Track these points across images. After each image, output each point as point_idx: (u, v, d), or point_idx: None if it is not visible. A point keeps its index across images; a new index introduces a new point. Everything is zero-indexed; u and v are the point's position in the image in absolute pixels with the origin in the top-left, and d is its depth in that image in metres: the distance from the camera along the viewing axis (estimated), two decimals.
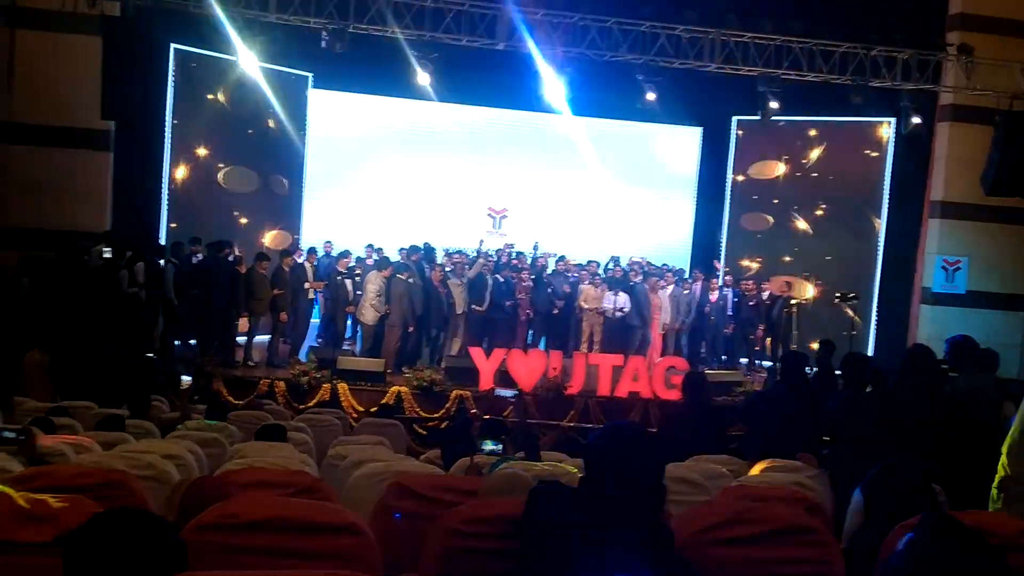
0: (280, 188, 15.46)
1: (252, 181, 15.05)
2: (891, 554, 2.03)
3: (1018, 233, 14.36)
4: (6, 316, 11.57)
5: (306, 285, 13.21)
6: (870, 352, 14.43)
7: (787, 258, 16.46)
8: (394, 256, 14.21)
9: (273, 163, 15.30)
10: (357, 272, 13.61)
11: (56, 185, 12.84)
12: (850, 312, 13.17)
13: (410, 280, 13.15)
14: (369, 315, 13.11)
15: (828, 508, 4.41)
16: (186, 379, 9.85)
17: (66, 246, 12.22)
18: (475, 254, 14.94)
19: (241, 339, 12.95)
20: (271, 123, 15.00)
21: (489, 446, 5.43)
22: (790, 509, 2.89)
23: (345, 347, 13.86)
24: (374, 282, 13.07)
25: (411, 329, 13.25)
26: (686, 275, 15.59)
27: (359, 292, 13.34)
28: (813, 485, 4.91)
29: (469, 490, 3.37)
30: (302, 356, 12.85)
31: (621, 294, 14.19)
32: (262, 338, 13.12)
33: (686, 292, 14.63)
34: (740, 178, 17.01)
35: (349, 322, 14.00)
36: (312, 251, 13.89)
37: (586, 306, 14.20)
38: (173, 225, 14.10)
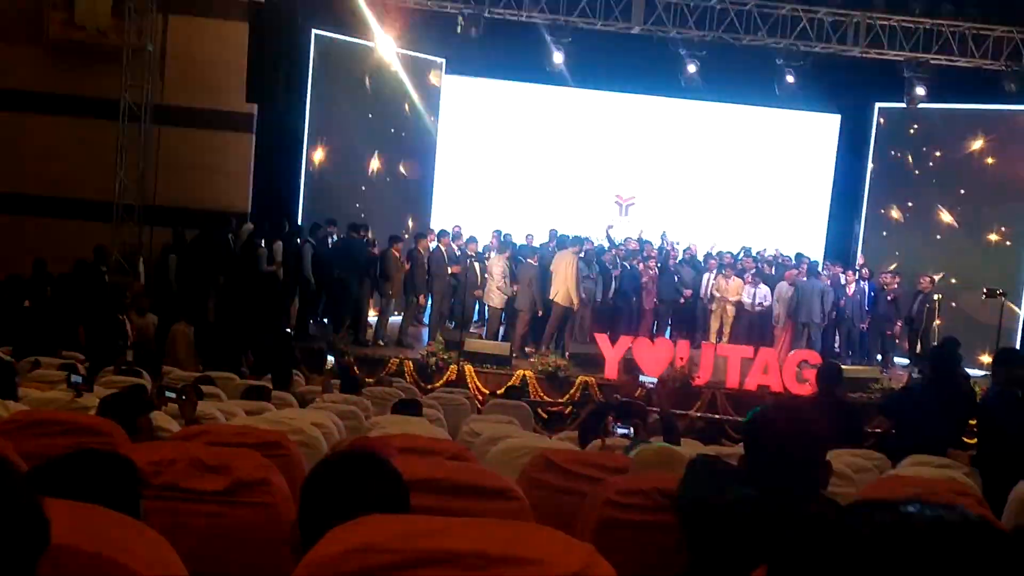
0: (412, 172, 15.72)
1: (385, 165, 15.34)
2: None
3: None
4: (157, 290, 12.19)
5: (449, 270, 13.36)
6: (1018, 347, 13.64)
7: (929, 251, 15.72)
8: (520, 241, 14.35)
9: (406, 147, 15.56)
10: (486, 257, 13.74)
11: (203, 166, 13.39)
12: (1006, 307, 12.48)
13: (534, 264, 13.18)
14: (496, 298, 13.20)
15: None
16: (331, 359, 10.16)
17: (212, 225, 12.75)
18: (606, 243, 14.86)
19: (372, 319, 13.28)
20: (405, 108, 15.25)
21: (620, 430, 5.40)
22: (960, 498, 2.75)
23: (473, 330, 14.02)
24: (498, 265, 13.16)
25: (540, 313, 13.27)
26: (819, 267, 15.12)
27: (487, 276, 13.46)
28: (967, 482, 4.68)
29: (614, 467, 3.34)
30: (431, 338, 13.10)
31: (762, 286, 13.86)
32: (395, 319, 13.41)
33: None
34: (879, 168, 16.32)
35: (477, 306, 14.16)
36: (444, 234, 14.01)
37: (718, 294, 13.93)
38: (309, 207, 14.51)
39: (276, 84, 13.59)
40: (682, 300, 14.19)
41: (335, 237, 13.42)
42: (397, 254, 12.97)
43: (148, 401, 4.58)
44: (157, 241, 13.15)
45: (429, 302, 13.57)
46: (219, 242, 12.63)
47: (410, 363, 12.24)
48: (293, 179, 14.38)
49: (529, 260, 13.21)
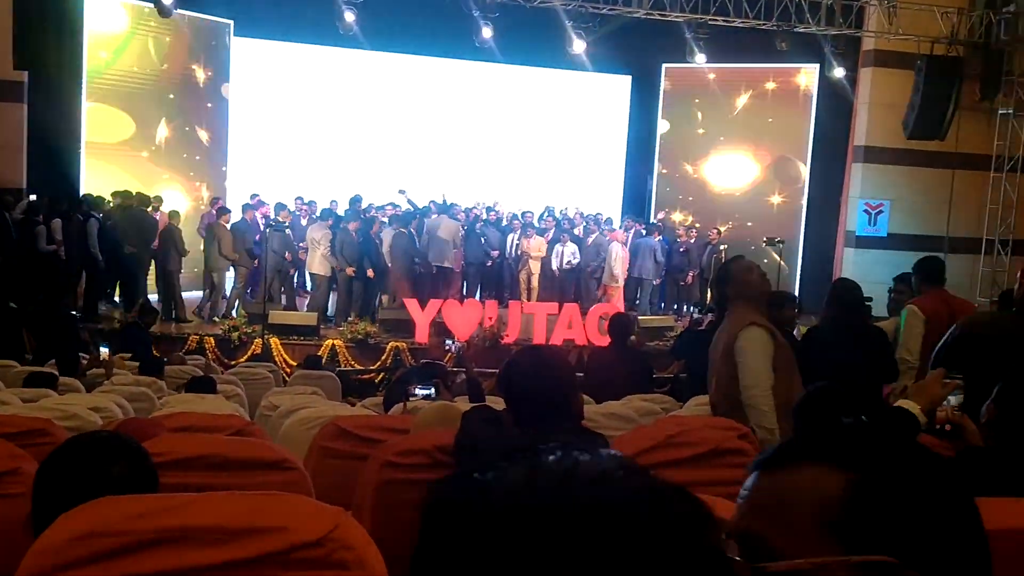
0: (203, 139, 15.04)
1: (175, 132, 14.59)
2: None
3: (937, 176, 14.71)
4: None
5: (287, 256, 13.02)
6: (796, 292, 14.67)
7: (716, 204, 16.64)
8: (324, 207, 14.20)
9: (196, 114, 14.86)
10: (286, 225, 13.39)
11: None
12: (776, 256, 13.43)
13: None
14: (322, 267, 12.95)
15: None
16: (104, 350, 9.58)
17: None
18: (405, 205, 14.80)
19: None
20: (193, 72, 14.55)
21: (421, 391, 5.44)
22: (721, 433, 2.95)
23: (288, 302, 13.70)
24: (322, 235, 12.91)
25: (372, 276, 13.20)
26: (614, 224, 15.71)
27: (301, 245, 13.16)
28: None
29: (404, 428, 3.36)
30: (234, 312, 12.72)
31: (569, 244, 14.27)
32: (195, 294, 12.94)
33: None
34: (669, 125, 17.07)
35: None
36: (281, 207, 13.50)
37: (523, 254, 14.21)
38: (94, 179, 13.62)
39: (48, 50, 12.58)
40: (489, 262, 14.41)
41: (126, 210, 12.64)
42: (226, 224, 12.60)
43: None
44: None
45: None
46: None
47: (211, 339, 11.82)
48: (73, 150, 13.45)
49: (402, 229, 13.28)
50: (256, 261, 12.92)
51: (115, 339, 10.82)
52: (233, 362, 11.32)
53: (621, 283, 14.22)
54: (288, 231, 13.20)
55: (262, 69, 15.92)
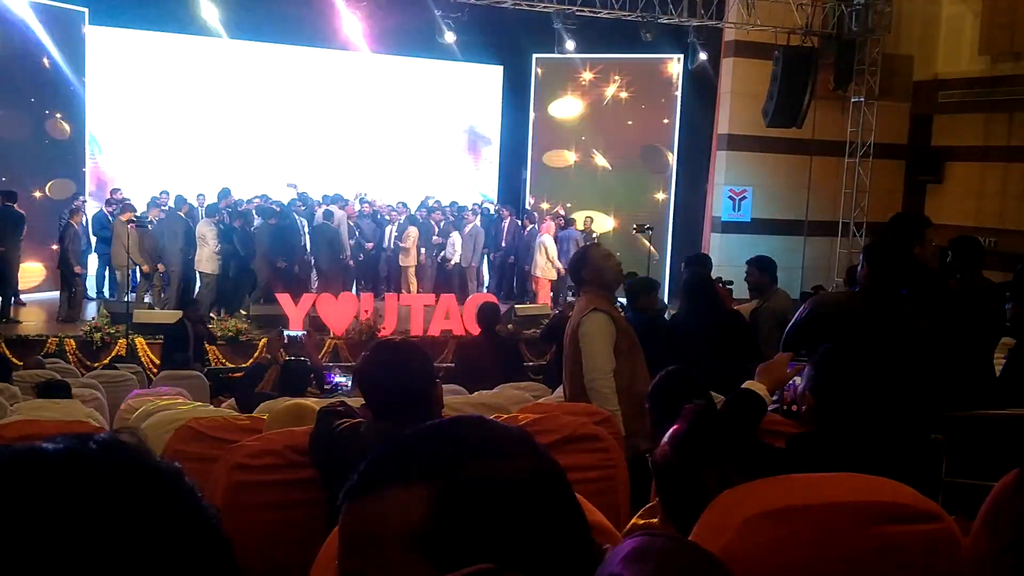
0: (59, 133, 14.31)
1: (26, 125, 13.84)
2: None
3: (796, 162, 15.32)
4: None
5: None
6: (666, 278, 15.06)
7: (588, 193, 16.89)
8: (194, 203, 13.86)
9: (50, 106, 14.13)
10: (150, 220, 12.94)
11: None
12: (646, 242, 13.74)
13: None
14: (210, 265, 12.57)
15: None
16: None
17: None
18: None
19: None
20: (45, 63, 13.82)
21: (337, 379, 5.41)
22: (575, 419, 3.00)
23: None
24: (209, 230, 12.51)
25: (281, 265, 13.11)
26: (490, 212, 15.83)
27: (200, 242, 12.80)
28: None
29: (259, 429, 3.29)
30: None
31: (454, 235, 14.26)
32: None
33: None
34: (541, 116, 17.21)
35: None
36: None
37: (404, 245, 14.14)
38: None
39: None
40: (360, 256, 14.31)
41: None
42: (125, 220, 12.26)
43: None
44: None
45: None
46: None
47: (72, 341, 11.31)
48: None
49: (327, 222, 13.39)
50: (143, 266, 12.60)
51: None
52: (96, 364, 10.87)
53: (554, 276, 14.30)
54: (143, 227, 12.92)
55: (120, 59, 15.24)
